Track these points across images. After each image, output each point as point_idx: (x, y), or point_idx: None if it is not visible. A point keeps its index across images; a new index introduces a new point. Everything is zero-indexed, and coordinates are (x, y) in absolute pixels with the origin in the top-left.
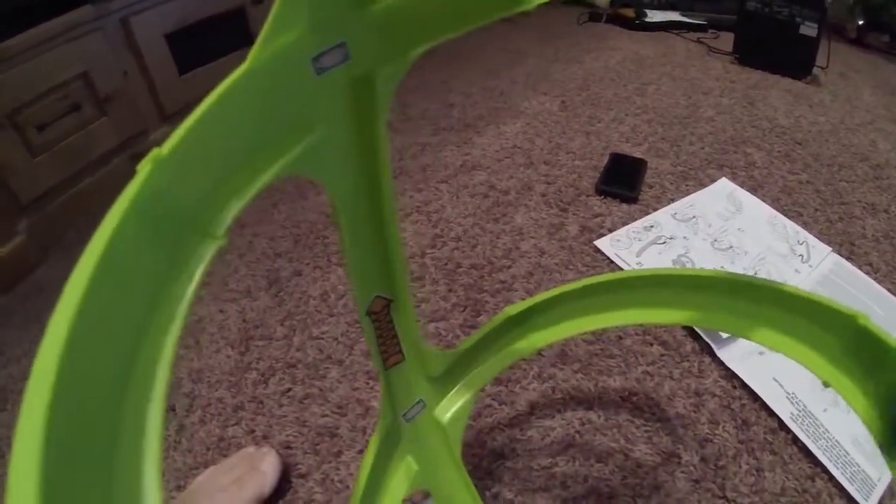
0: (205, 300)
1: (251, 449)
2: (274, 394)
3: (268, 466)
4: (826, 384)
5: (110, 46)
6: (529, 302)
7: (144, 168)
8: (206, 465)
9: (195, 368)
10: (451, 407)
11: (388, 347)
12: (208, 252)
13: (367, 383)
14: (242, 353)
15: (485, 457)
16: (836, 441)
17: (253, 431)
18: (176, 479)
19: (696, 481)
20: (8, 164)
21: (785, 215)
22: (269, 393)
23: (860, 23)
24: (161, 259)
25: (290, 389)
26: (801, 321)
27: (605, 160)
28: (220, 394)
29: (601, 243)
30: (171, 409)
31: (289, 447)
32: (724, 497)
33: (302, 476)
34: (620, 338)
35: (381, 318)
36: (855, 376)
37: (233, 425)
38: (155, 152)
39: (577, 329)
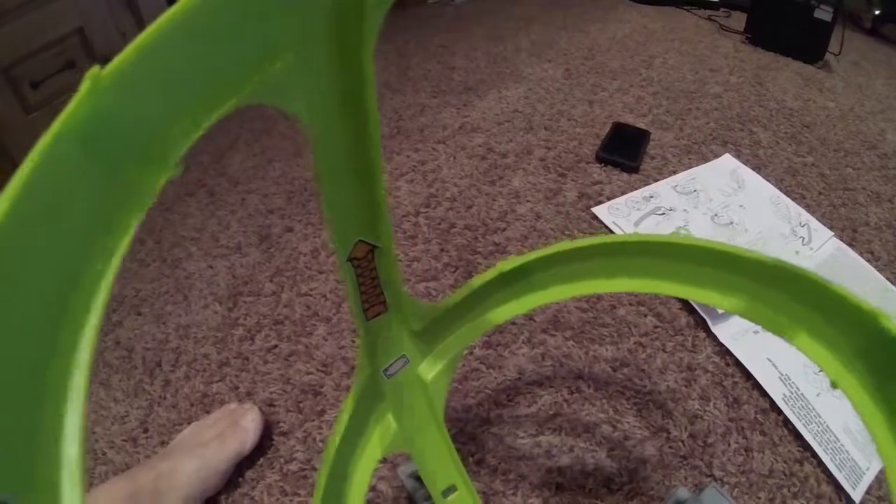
0: (194, 256)
1: (234, 405)
2: (260, 350)
3: (249, 423)
4: (834, 384)
5: (108, 6)
6: (524, 259)
7: (83, 87)
8: (189, 421)
9: (182, 324)
10: (436, 365)
11: (370, 297)
12: (158, 183)
13: (353, 342)
14: (230, 309)
15: (469, 421)
16: (828, 426)
17: (237, 388)
18: (160, 435)
19: (684, 457)
20: (1, 120)
21: (788, 196)
22: (254, 349)
23: (876, 13)
24: (102, 188)
25: (275, 346)
26: (812, 310)
27: (608, 129)
28: (206, 350)
29: (599, 210)
30: (156, 364)
31: (272, 404)
32: (711, 475)
33: (284, 434)
34: (614, 307)
35: (364, 265)
36: (866, 380)
37: (217, 381)
38: (93, 71)
39: (573, 292)
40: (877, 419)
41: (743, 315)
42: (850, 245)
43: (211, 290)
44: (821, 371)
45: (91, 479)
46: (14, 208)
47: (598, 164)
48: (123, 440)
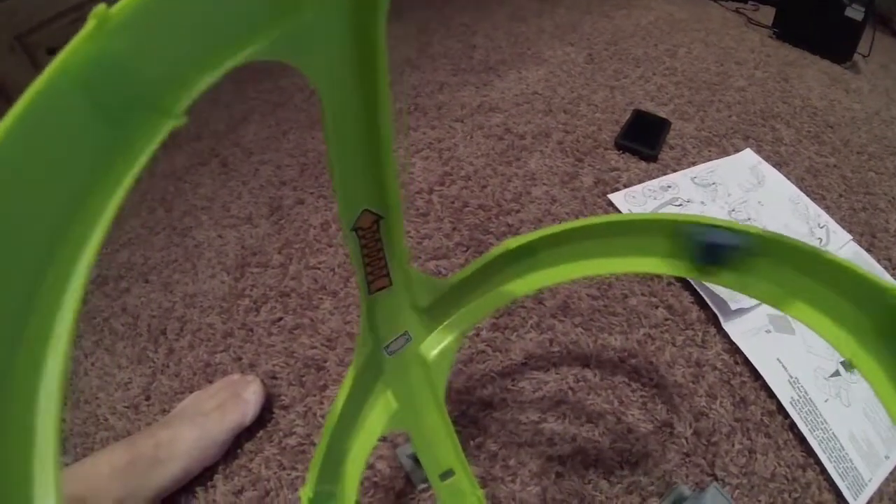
0: (205, 225)
1: (236, 376)
2: (265, 322)
3: (251, 395)
4: (851, 364)
5: None
6: (532, 236)
7: (87, 26)
8: (191, 391)
9: (189, 293)
10: (439, 343)
11: (375, 269)
12: (161, 132)
13: (360, 317)
14: (237, 280)
15: (472, 404)
16: (834, 434)
17: (240, 359)
18: (161, 403)
19: (687, 454)
20: (17, 86)
21: (808, 196)
22: (259, 321)
23: None
24: (102, 134)
25: (281, 319)
26: (830, 289)
27: (628, 116)
28: (211, 319)
29: (615, 197)
30: (161, 332)
31: (274, 377)
32: (713, 475)
33: (284, 407)
34: (626, 296)
35: (369, 236)
36: (883, 358)
37: (221, 352)
38: (100, 9)
39: (582, 271)
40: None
41: (733, 287)
42: (867, 250)
43: (219, 259)
44: (832, 376)
45: (92, 445)
46: (3, 148)
47: (616, 151)
48: (125, 407)
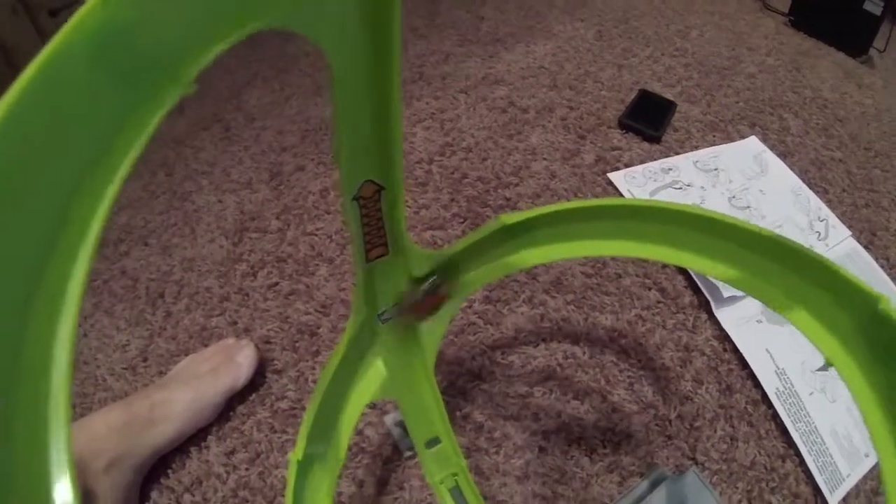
0: (205, 189)
1: (231, 340)
2: (261, 287)
3: (244, 359)
4: (828, 363)
5: None
6: (528, 213)
7: None
8: (187, 353)
9: (187, 257)
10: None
11: (372, 238)
12: (170, 99)
13: (354, 285)
14: (235, 244)
15: (461, 375)
16: (816, 427)
17: (236, 323)
18: (158, 365)
19: (669, 437)
20: (18, 48)
21: (811, 188)
22: (256, 286)
23: None
24: (111, 102)
25: (277, 284)
26: (816, 288)
27: (633, 95)
28: (208, 283)
29: (615, 176)
30: (159, 295)
31: (268, 342)
32: (694, 459)
33: (277, 372)
34: (619, 276)
35: (370, 206)
36: (862, 362)
37: (217, 316)
38: None
39: (575, 252)
40: (869, 400)
41: (736, 285)
42: (866, 248)
43: (218, 224)
44: (818, 370)
45: (90, 405)
46: (11, 116)
47: (619, 130)
48: (123, 368)
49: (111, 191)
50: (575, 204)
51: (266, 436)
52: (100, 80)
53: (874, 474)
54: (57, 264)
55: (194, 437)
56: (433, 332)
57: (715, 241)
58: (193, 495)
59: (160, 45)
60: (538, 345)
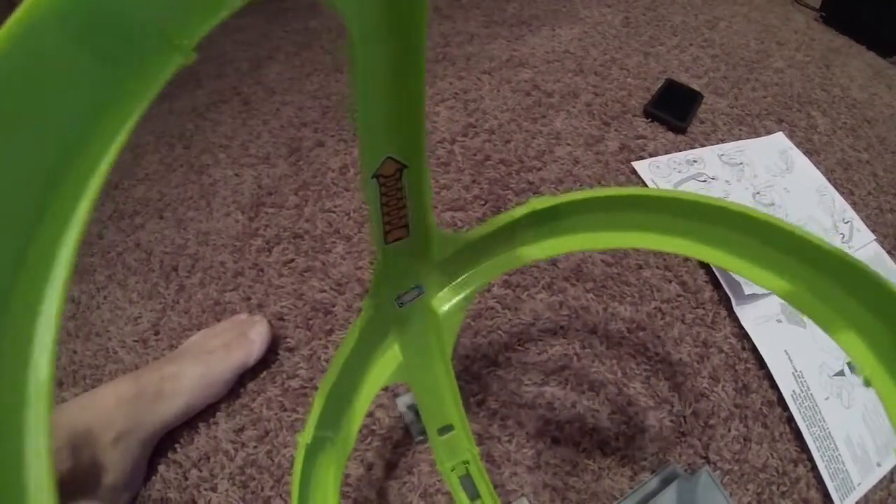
0: (222, 163)
1: (243, 316)
2: (276, 263)
3: (256, 335)
4: (867, 383)
5: None
6: (558, 199)
7: None
8: (199, 328)
9: (202, 230)
10: (451, 298)
11: (393, 219)
12: (170, 69)
13: (371, 264)
14: (251, 219)
15: (477, 360)
16: (830, 433)
17: (249, 299)
18: (169, 339)
19: (683, 434)
20: None
21: (836, 189)
22: (271, 262)
23: None
24: (91, 69)
25: (292, 260)
26: (870, 312)
27: (660, 85)
28: (223, 258)
29: (639, 165)
30: (173, 269)
31: (282, 318)
32: (706, 458)
33: (290, 350)
34: (640, 266)
35: (390, 184)
36: None
37: (230, 290)
38: None
39: (603, 243)
40: None
41: (787, 299)
42: (889, 253)
43: (234, 198)
44: (836, 375)
45: (101, 377)
46: None
47: (644, 119)
48: (135, 341)
49: (106, 162)
50: (606, 192)
51: (276, 414)
52: (77, 52)
53: (884, 484)
54: (37, 252)
55: (203, 413)
56: (453, 317)
57: (772, 251)
58: (201, 471)
59: (149, 10)
60: (556, 333)
